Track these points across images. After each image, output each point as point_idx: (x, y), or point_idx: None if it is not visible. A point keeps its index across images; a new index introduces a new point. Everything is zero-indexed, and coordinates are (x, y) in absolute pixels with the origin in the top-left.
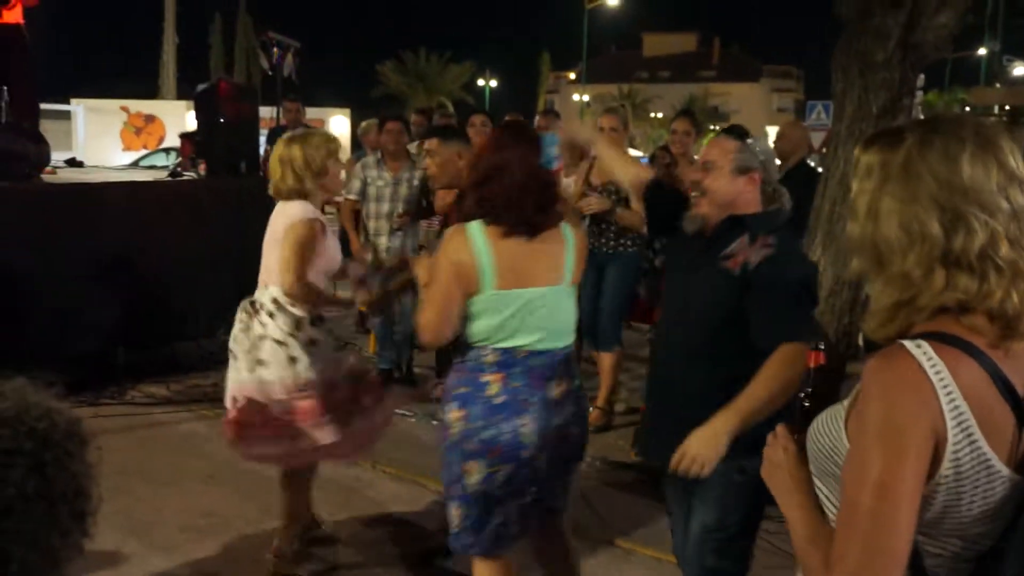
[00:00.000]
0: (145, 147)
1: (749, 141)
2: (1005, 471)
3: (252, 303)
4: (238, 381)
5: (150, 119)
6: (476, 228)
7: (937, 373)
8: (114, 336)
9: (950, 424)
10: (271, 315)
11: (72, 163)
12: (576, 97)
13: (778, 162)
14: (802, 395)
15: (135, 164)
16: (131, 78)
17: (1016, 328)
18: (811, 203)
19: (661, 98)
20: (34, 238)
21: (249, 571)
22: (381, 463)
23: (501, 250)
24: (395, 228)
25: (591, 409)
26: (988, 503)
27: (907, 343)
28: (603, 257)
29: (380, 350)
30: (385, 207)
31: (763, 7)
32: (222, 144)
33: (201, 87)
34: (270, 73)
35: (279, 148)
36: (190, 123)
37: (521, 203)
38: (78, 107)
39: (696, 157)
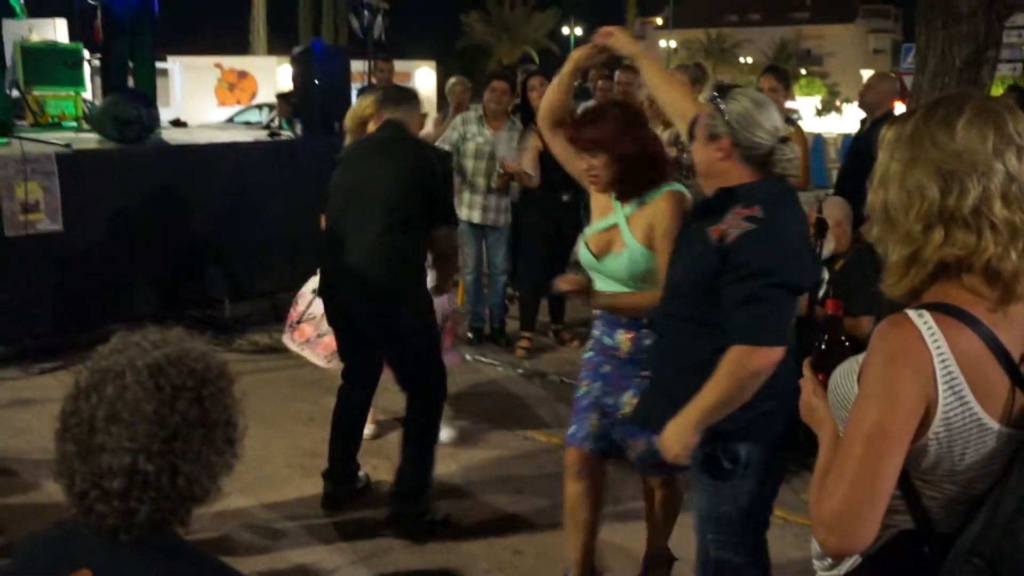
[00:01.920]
0: (239, 103)
1: (719, 102)
2: (996, 426)
3: None
4: None
5: (243, 75)
6: None
7: (935, 342)
8: (222, 289)
9: (942, 389)
10: None
11: (176, 123)
12: (663, 43)
13: (859, 112)
14: (817, 343)
15: (230, 121)
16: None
17: (1013, 289)
18: None
19: (751, 42)
20: (148, 197)
21: (347, 506)
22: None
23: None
24: (493, 187)
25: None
26: (980, 453)
27: (911, 312)
28: None
29: (472, 306)
30: (483, 164)
31: None
32: (317, 104)
33: (297, 49)
34: (361, 36)
35: None
36: (281, 78)
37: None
38: (175, 64)
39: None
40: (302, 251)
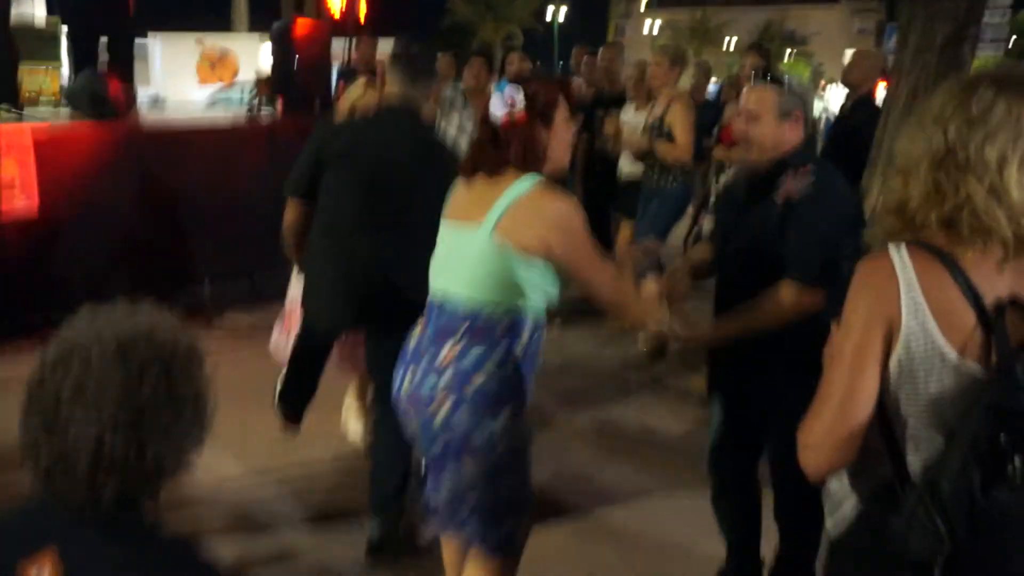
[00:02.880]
0: (220, 80)
1: (786, 81)
2: (956, 357)
3: None
4: None
5: (224, 52)
6: None
7: (904, 271)
8: (200, 267)
9: (905, 314)
10: None
11: (155, 101)
12: (647, 23)
13: (846, 91)
14: None
15: (211, 100)
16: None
17: (1020, 250)
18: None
19: (736, 22)
20: (123, 176)
21: (331, 480)
22: None
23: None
24: None
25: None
26: (943, 386)
27: (891, 246)
28: (649, 191)
29: None
30: (464, 141)
31: None
32: (298, 82)
33: (276, 25)
34: (339, 10)
35: None
36: (263, 56)
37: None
38: (155, 40)
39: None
40: (280, 229)
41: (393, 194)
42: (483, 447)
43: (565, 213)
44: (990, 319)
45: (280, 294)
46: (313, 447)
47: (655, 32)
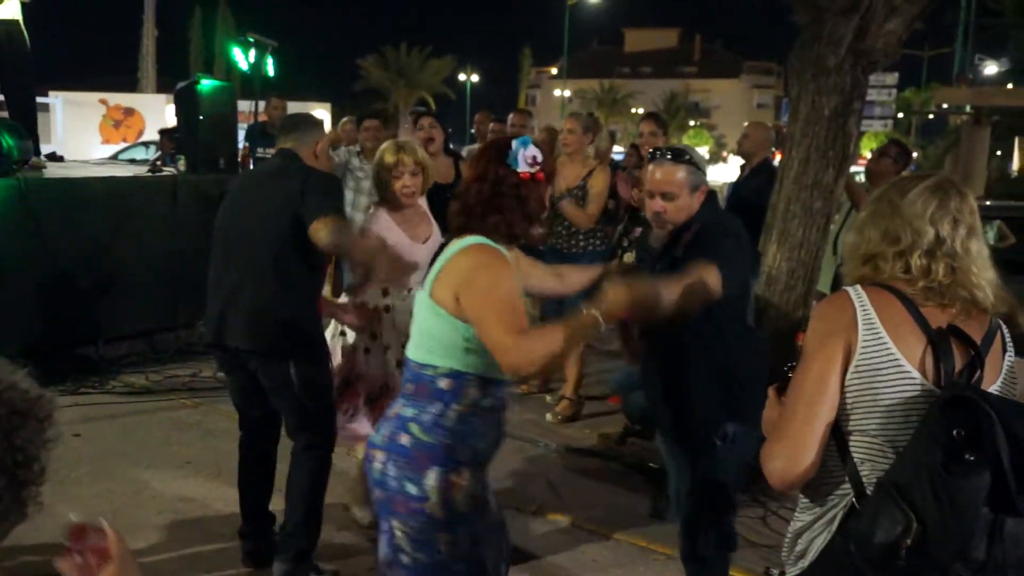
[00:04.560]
0: (124, 140)
1: (688, 158)
2: (913, 371)
3: None
4: None
5: (129, 112)
6: None
7: (860, 300)
8: (95, 328)
9: (861, 329)
10: None
11: (52, 157)
12: (557, 92)
13: (742, 161)
14: (786, 368)
15: (114, 158)
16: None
17: (944, 295)
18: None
19: (643, 93)
20: (16, 232)
21: (225, 553)
22: None
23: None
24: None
25: (560, 399)
26: (898, 398)
27: (848, 287)
28: (572, 256)
29: None
30: (363, 199)
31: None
32: (201, 140)
33: (181, 84)
34: (246, 72)
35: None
36: (170, 117)
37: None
38: (56, 99)
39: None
40: (184, 290)
41: (251, 236)
42: (409, 509)
43: (474, 265)
44: (936, 340)
45: (178, 356)
46: (207, 514)
47: (566, 98)
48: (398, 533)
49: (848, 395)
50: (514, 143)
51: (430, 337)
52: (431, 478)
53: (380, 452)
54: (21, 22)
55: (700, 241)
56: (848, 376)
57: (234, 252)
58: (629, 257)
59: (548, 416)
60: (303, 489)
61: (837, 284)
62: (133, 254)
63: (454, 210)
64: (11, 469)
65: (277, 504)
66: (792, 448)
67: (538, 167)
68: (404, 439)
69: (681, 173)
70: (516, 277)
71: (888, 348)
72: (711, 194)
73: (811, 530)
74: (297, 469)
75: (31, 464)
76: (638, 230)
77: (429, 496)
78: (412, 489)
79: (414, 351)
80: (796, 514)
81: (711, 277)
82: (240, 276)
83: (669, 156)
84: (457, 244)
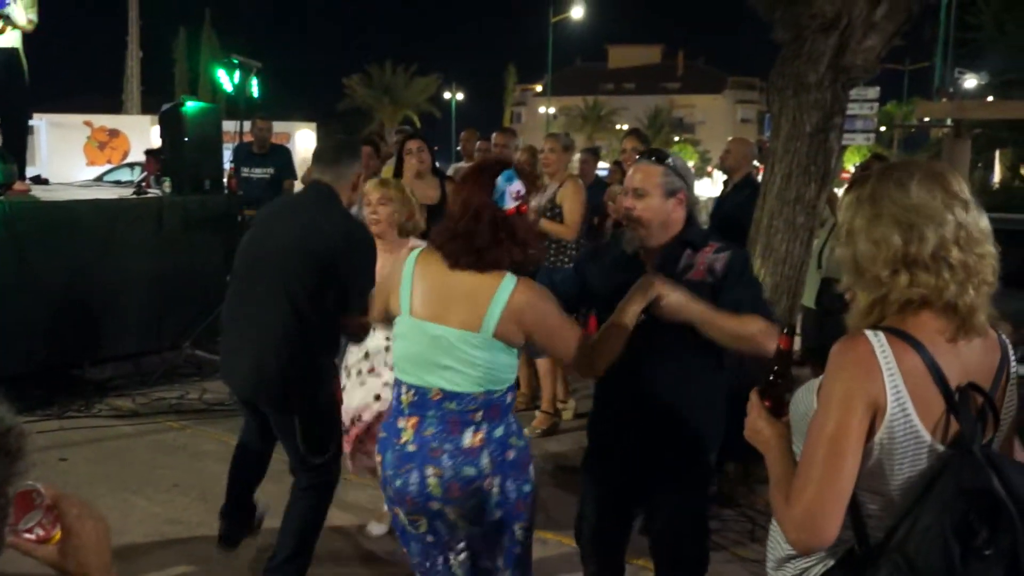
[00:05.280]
0: (109, 162)
1: (669, 161)
2: (930, 440)
3: None
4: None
5: (114, 134)
6: (416, 251)
7: (885, 357)
8: (81, 351)
9: (890, 399)
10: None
11: (37, 180)
12: (542, 109)
13: (724, 177)
14: (767, 373)
15: (99, 179)
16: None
17: (970, 323)
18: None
19: (627, 109)
20: (0, 255)
21: (211, 575)
22: None
23: (423, 274)
24: None
25: (536, 413)
26: (915, 468)
27: (868, 331)
28: (544, 271)
29: None
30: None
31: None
32: (187, 162)
33: (166, 106)
34: (231, 93)
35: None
36: (155, 138)
37: (454, 234)
38: (40, 122)
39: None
40: (170, 312)
41: (276, 274)
42: (529, 505)
43: (531, 300)
44: (955, 401)
45: (164, 378)
46: (193, 537)
47: (551, 115)
48: (519, 533)
49: (868, 458)
50: (499, 181)
51: (497, 368)
52: (532, 472)
53: (490, 479)
54: (20, 51)
55: (740, 276)
56: (873, 443)
57: (252, 294)
58: None
59: (525, 430)
60: (298, 525)
61: (821, 298)
62: (119, 276)
63: (457, 249)
64: None
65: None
66: (818, 520)
67: (522, 200)
68: (511, 454)
69: (657, 174)
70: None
71: (912, 423)
72: (690, 214)
73: (803, 559)
74: (294, 505)
75: (3, 499)
76: None
77: (535, 485)
78: (527, 487)
79: (478, 385)
80: (780, 542)
81: (762, 330)
82: (252, 323)
83: (651, 158)
84: (502, 286)
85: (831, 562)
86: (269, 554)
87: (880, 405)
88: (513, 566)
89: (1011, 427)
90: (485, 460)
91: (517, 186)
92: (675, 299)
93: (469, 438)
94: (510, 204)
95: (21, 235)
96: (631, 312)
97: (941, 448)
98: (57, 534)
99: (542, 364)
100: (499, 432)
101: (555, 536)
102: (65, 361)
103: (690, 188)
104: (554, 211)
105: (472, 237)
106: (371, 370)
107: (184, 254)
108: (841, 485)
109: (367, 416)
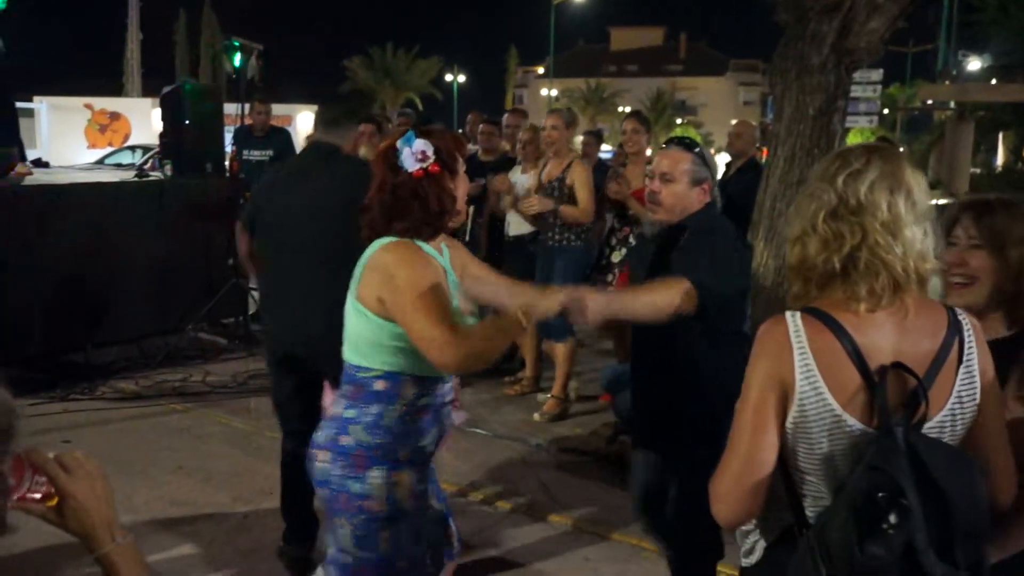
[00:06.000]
0: (111, 144)
1: (698, 150)
2: (849, 418)
3: None
4: None
5: (115, 116)
6: None
7: (797, 338)
8: (84, 334)
9: (798, 378)
10: None
11: (38, 163)
12: (544, 92)
13: (729, 159)
14: None
15: (100, 162)
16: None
17: (890, 298)
18: None
19: (629, 91)
20: (2, 239)
21: (216, 555)
22: None
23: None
24: None
25: (547, 398)
26: (839, 446)
27: (787, 314)
28: (549, 251)
29: None
30: None
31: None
32: (188, 144)
33: (167, 88)
34: (233, 76)
35: None
36: (155, 120)
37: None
38: (41, 104)
39: (648, 155)
40: (173, 294)
41: (304, 240)
42: (353, 507)
43: (392, 262)
44: (873, 382)
45: (167, 361)
46: (197, 518)
47: (553, 97)
48: (341, 531)
49: (788, 437)
50: (398, 143)
51: (361, 339)
52: (373, 477)
53: (323, 451)
54: None
55: (690, 243)
56: (787, 422)
57: (291, 264)
58: (617, 255)
59: (536, 415)
60: (308, 498)
61: None
62: (121, 259)
63: (362, 223)
64: None
65: None
66: (735, 498)
67: (430, 160)
68: (346, 440)
69: (686, 161)
70: (439, 271)
71: (824, 399)
72: (711, 202)
73: (753, 533)
74: (301, 478)
75: None
76: (626, 229)
77: (372, 494)
78: (355, 487)
79: (349, 353)
80: None
81: (674, 290)
82: (298, 290)
83: (681, 144)
84: (374, 244)
85: (771, 538)
86: (274, 533)
87: (790, 386)
88: (334, 567)
89: (998, 412)
90: (327, 431)
91: (419, 146)
92: (593, 306)
93: (334, 405)
94: (413, 166)
95: (23, 218)
96: (522, 315)
97: (864, 428)
98: (55, 497)
99: (559, 349)
100: (349, 413)
101: (560, 519)
102: (68, 344)
103: (714, 179)
104: (562, 191)
105: (371, 209)
106: None
107: (186, 237)
108: (756, 462)
109: None
